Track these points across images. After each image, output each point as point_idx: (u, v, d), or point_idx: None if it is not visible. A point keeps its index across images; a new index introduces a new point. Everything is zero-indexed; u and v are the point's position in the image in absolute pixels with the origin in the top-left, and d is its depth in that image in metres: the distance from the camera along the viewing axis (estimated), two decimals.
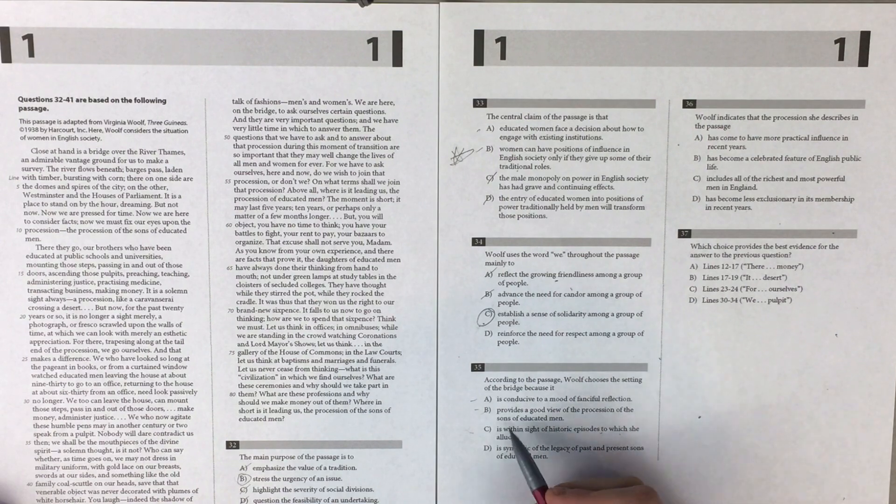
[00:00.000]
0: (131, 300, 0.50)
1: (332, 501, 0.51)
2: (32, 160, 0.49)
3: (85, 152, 0.49)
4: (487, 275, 0.50)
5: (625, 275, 0.50)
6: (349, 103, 0.49)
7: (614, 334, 0.51)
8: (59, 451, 0.51)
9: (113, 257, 0.50)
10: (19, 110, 0.49)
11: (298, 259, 0.50)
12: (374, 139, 0.49)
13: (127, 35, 0.48)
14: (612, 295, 0.50)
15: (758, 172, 0.50)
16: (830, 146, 0.50)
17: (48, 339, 0.50)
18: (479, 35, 0.48)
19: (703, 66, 0.49)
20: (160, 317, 0.50)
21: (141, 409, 0.51)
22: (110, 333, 0.50)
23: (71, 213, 0.49)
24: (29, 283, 0.49)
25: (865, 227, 0.50)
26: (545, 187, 0.50)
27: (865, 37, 0.49)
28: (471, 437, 0.51)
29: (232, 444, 0.51)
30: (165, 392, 0.50)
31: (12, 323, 0.50)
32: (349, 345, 0.50)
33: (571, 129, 0.49)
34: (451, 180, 0.49)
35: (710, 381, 0.51)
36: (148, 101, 0.49)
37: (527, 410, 0.51)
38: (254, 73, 0.48)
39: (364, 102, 0.49)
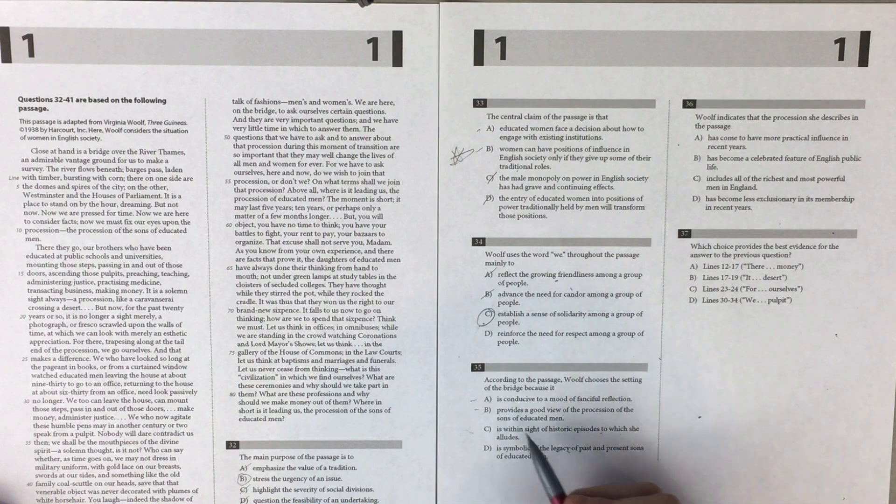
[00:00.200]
0: (131, 300, 0.50)
1: (332, 501, 0.51)
2: (32, 160, 0.49)
3: (85, 152, 0.49)
4: (487, 275, 0.50)
5: (625, 275, 0.50)
6: (349, 103, 0.49)
7: (614, 334, 0.51)
8: (59, 451, 0.51)
9: (113, 257, 0.50)
10: (19, 110, 0.49)
11: (298, 259, 0.50)
12: (374, 139, 0.49)
13: (127, 35, 0.48)
14: (612, 295, 0.50)
15: (758, 172, 0.50)
16: (830, 146, 0.50)
17: (48, 339, 0.50)
18: (479, 35, 0.48)
19: (703, 66, 0.49)
20: (160, 317, 0.50)
21: (141, 409, 0.51)
22: (110, 333, 0.50)
23: (71, 213, 0.49)
24: (29, 283, 0.49)
25: (865, 227, 0.50)
26: (545, 187, 0.50)
27: (865, 37, 0.49)
28: (471, 437, 0.51)
29: (232, 444, 0.51)
30: (165, 392, 0.50)
31: (12, 323, 0.50)
32: (349, 345, 0.50)
33: (571, 129, 0.49)
34: (451, 180, 0.49)
35: (710, 381, 0.51)
36: (148, 101, 0.49)
37: (527, 410, 0.51)
38: (254, 73, 0.48)
39: (364, 102, 0.49)
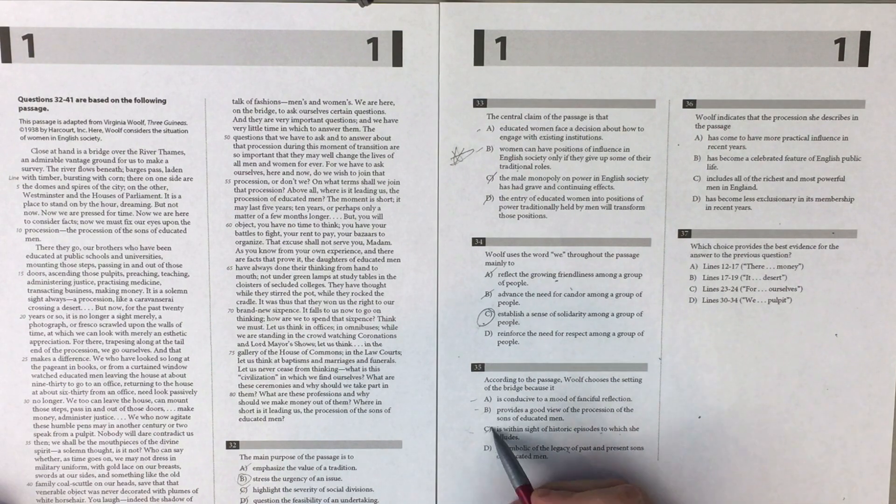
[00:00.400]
0: (131, 300, 0.50)
1: (332, 501, 0.51)
2: (32, 160, 0.49)
3: (85, 152, 0.49)
4: (487, 275, 0.50)
5: (625, 275, 0.50)
6: (349, 103, 0.49)
7: (614, 334, 0.51)
8: (59, 451, 0.51)
9: (113, 257, 0.50)
10: (19, 110, 0.49)
11: (298, 259, 0.50)
12: (374, 139, 0.49)
13: (127, 35, 0.48)
14: (612, 295, 0.50)
15: (758, 172, 0.50)
16: (830, 146, 0.50)
17: (48, 339, 0.50)
18: (479, 35, 0.48)
19: (703, 66, 0.49)
20: (160, 317, 0.50)
21: (141, 409, 0.51)
22: (110, 333, 0.50)
23: (71, 213, 0.49)
24: (29, 283, 0.49)
25: (865, 227, 0.50)
26: (545, 187, 0.50)
27: (865, 37, 0.49)
28: (471, 437, 0.51)
29: (232, 444, 0.51)
30: (165, 392, 0.50)
31: (12, 323, 0.50)
32: (349, 345, 0.50)
33: (571, 129, 0.49)
34: (451, 180, 0.49)
35: (710, 381, 0.51)
36: (148, 101, 0.49)
37: (527, 410, 0.51)
38: (254, 73, 0.48)
39: (364, 102, 0.49)
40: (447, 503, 0.51)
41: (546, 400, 0.51)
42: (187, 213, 0.49)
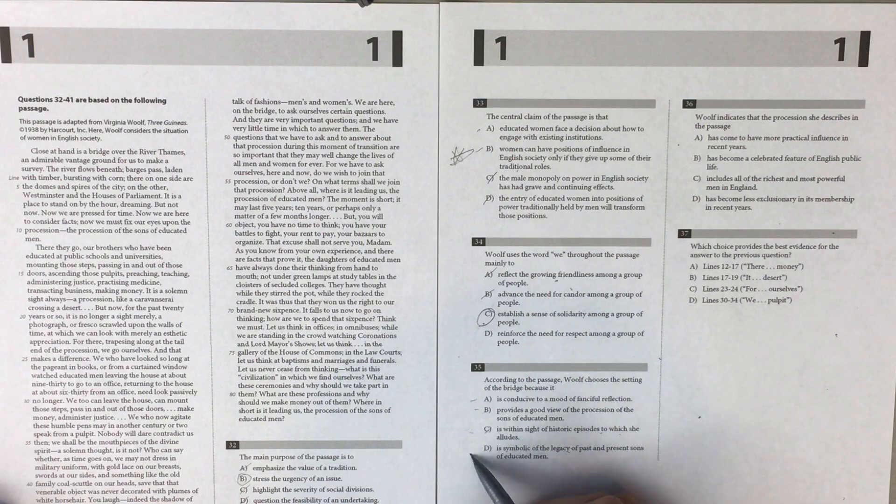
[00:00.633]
0: (131, 300, 0.50)
1: (332, 501, 0.51)
2: (32, 160, 0.49)
3: (85, 152, 0.49)
4: (487, 275, 0.50)
5: (625, 275, 0.50)
6: (349, 103, 0.49)
7: (614, 334, 0.51)
8: (59, 451, 0.51)
9: (113, 257, 0.50)
10: (19, 110, 0.49)
11: (298, 259, 0.50)
12: (374, 139, 0.49)
13: (127, 35, 0.48)
14: (612, 295, 0.50)
15: (758, 172, 0.50)
16: (830, 146, 0.50)
17: (48, 339, 0.50)
18: (479, 35, 0.48)
19: (703, 66, 0.49)
20: (160, 317, 0.50)
21: (141, 409, 0.51)
22: (110, 333, 0.50)
23: (71, 213, 0.49)
24: (29, 283, 0.49)
25: (865, 227, 0.50)
26: (545, 187, 0.50)
27: (865, 37, 0.49)
28: (471, 437, 0.51)
29: (232, 444, 0.51)
30: (165, 392, 0.50)
31: (12, 323, 0.50)
32: (349, 345, 0.50)
33: (571, 129, 0.49)
34: (451, 180, 0.49)
35: (710, 381, 0.51)
36: (148, 101, 0.49)
37: (527, 410, 0.51)
38: (254, 73, 0.48)
39: (364, 102, 0.49)
40: (447, 503, 0.51)
41: (546, 400, 0.51)
42: (187, 213, 0.49)
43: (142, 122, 0.49)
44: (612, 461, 0.51)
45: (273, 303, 0.50)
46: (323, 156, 0.49)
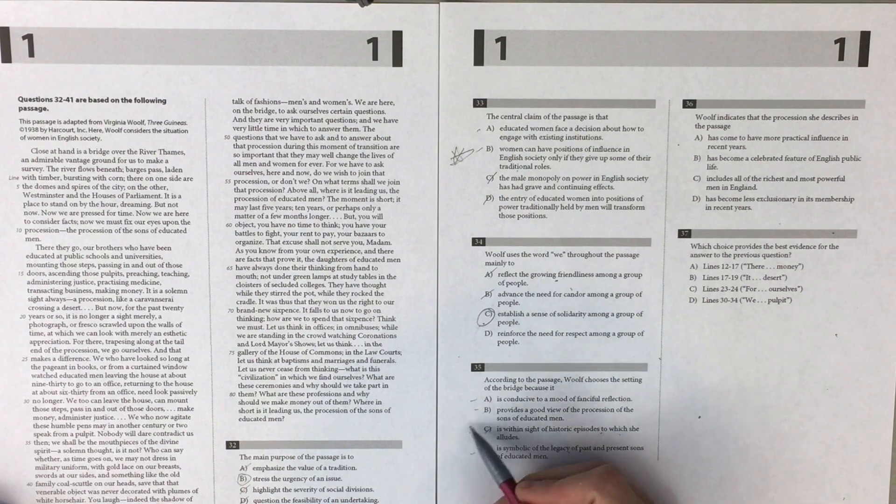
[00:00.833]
0: (131, 300, 0.50)
1: (332, 501, 0.51)
2: (32, 160, 0.49)
3: (85, 152, 0.49)
4: (487, 275, 0.50)
5: (625, 275, 0.50)
6: (349, 103, 0.49)
7: (614, 334, 0.51)
8: (59, 451, 0.51)
9: (113, 257, 0.50)
10: (19, 110, 0.49)
11: (298, 259, 0.50)
12: (374, 139, 0.49)
13: (127, 35, 0.48)
14: (612, 295, 0.50)
15: (758, 172, 0.50)
16: (830, 146, 0.50)
17: (48, 339, 0.50)
18: (479, 35, 0.48)
19: (703, 66, 0.49)
20: (160, 317, 0.50)
21: (141, 409, 0.51)
22: (110, 333, 0.50)
23: (71, 213, 0.49)
24: (29, 283, 0.49)
25: (865, 227, 0.50)
26: (545, 187, 0.50)
27: (865, 37, 0.49)
28: (471, 437, 0.51)
29: (232, 444, 0.51)
30: (165, 392, 0.50)
31: (12, 323, 0.50)
32: (349, 345, 0.50)
33: (571, 129, 0.49)
34: (451, 180, 0.49)
35: (710, 381, 0.51)
36: (148, 101, 0.49)
37: (527, 410, 0.51)
38: (254, 73, 0.48)
39: (364, 102, 0.49)
40: (447, 503, 0.51)
41: (546, 400, 0.51)
42: (187, 213, 0.49)
43: (142, 122, 0.49)
44: (612, 461, 0.51)
45: (273, 303, 0.50)
46: (323, 156, 0.49)
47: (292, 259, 0.50)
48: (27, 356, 0.50)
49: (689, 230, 0.50)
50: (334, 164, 0.49)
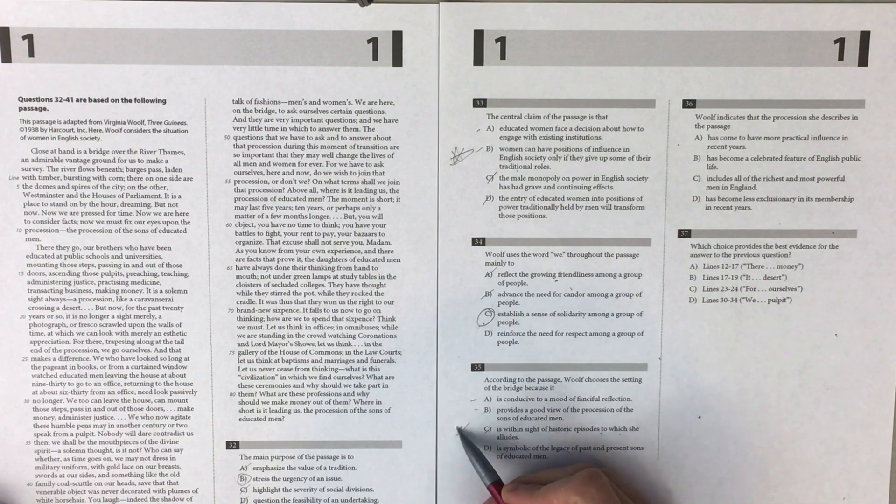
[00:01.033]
0: (131, 300, 0.50)
1: (332, 501, 0.51)
2: (32, 160, 0.49)
3: (85, 152, 0.49)
4: (487, 275, 0.50)
5: (625, 275, 0.50)
6: (349, 103, 0.49)
7: (614, 334, 0.51)
8: (59, 451, 0.51)
9: (113, 257, 0.50)
10: (19, 110, 0.49)
11: (298, 259, 0.50)
12: (374, 139, 0.49)
13: (127, 35, 0.48)
14: (612, 295, 0.50)
15: (758, 172, 0.50)
16: (830, 146, 0.50)
17: (48, 339, 0.50)
18: (479, 35, 0.48)
19: (703, 66, 0.49)
20: (160, 317, 0.50)
21: (141, 409, 0.51)
22: (110, 333, 0.50)
23: (71, 213, 0.49)
24: (29, 283, 0.49)
25: (865, 227, 0.50)
26: (545, 187, 0.50)
27: (865, 37, 0.49)
28: (470, 437, 0.51)
29: (232, 444, 0.51)
30: (165, 392, 0.50)
31: (12, 323, 0.50)
32: (349, 345, 0.50)
33: (571, 129, 0.49)
34: (451, 180, 0.49)
35: (710, 381, 0.51)
36: (148, 101, 0.49)
37: (527, 410, 0.51)
38: (254, 73, 0.48)
39: (364, 102, 0.49)
40: (447, 503, 0.51)
41: (546, 400, 0.51)
42: (187, 213, 0.49)
43: (142, 122, 0.49)
44: (612, 461, 0.51)
45: (273, 303, 0.50)
46: (323, 156, 0.49)
47: (292, 259, 0.50)
48: (27, 356, 0.50)
49: (689, 230, 0.50)
50: (334, 164, 0.49)
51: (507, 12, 0.48)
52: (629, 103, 0.49)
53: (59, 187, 0.49)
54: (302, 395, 0.51)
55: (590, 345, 0.51)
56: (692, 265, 0.50)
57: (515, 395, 0.51)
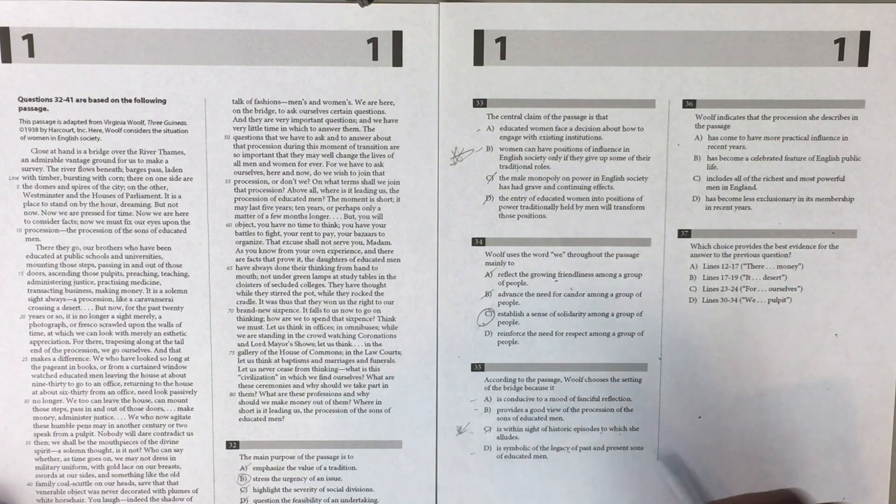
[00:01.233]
0: (131, 300, 0.50)
1: (332, 501, 0.51)
2: (32, 160, 0.49)
3: (85, 152, 0.49)
4: (487, 275, 0.50)
5: (625, 275, 0.50)
6: (349, 103, 0.49)
7: (614, 334, 0.51)
8: (59, 451, 0.51)
9: (113, 257, 0.50)
10: (19, 110, 0.49)
11: (298, 259, 0.50)
12: (374, 139, 0.49)
13: (127, 35, 0.48)
14: (612, 295, 0.50)
15: (758, 172, 0.50)
16: (830, 146, 0.50)
17: (48, 339, 0.50)
18: (479, 35, 0.48)
19: (703, 66, 0.49)
20: (160, 317, 0.50)
21: (141, 409, 0.51)
22: (110, 333, 0.50)
23: (71, 213, 0.49)
24: (29, 283, 0.49)
25: (865, 227, 0.50)
26: (545, 187, 0.50)
27: (865, 37, 0.49)
28: (471, 437, 0.51)
29: (232, 444, 0.51)
30: (165, 392, 0.50)
31: (12, 323, 0.50)
32: (349, 345, 0.50)
33: (571, 129, 0.49)
34: (451, 180, 0.49)
35: (710, 381, 0.51)
36: (148, 101, 0.49)
37: (527, 410, 0.51)
38: (254, 73, 0.48)
39: (364, 102, 0.49)
40: (447, 503, 0.51)
41: (546, 400, 0.51)
42: (187, 213, 0.49)
43: (142, 122, 0.49)
44: (612, 461, 0.51)
45: (273, 303, 0.50)
46: (323, 156, 0.49)
47: (292, 259, 0.50)
48: (27, 356, 0.50)
49: (689, 230, 0.50)
50: (334, 164, 0.49)
51: (507, 12, 0.48)
52: (629, 103, 0.49)
53: (59, 187, 0.49)
54: (302, 395, 0.51)
55: (590, 345, 0.51)
56: (692, 265, 0.50)
57: (515, 395, 0.51)
